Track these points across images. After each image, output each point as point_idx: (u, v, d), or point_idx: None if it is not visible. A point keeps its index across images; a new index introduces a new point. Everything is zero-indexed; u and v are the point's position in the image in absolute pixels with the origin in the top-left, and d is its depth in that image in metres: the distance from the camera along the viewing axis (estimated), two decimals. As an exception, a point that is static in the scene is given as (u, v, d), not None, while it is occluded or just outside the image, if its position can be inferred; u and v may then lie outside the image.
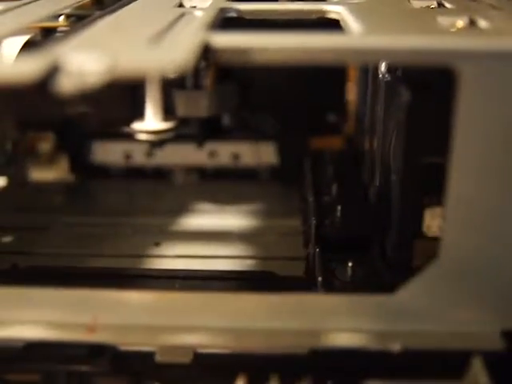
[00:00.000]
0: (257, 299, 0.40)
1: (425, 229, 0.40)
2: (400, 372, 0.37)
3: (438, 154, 0.37)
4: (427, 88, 0.38)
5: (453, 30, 0.38)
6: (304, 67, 0.33)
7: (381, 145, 0.45)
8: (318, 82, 0.62)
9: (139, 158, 0.66)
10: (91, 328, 0.39)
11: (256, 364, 0.38)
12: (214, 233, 0.57)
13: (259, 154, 0.65)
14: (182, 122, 0.58)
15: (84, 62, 0.29)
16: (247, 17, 0.44)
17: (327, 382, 0.37)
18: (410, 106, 0.38)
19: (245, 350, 0.38)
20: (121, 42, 0.33)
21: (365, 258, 0.43)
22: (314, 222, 0.46)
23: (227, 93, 0.60)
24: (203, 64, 0.41)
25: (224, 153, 0.66)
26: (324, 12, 0.44)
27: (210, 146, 0.65)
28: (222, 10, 0.43)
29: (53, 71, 0.29)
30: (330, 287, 0.41)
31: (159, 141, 0.58)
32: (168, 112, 0.57)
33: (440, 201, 0.37)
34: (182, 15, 0.41)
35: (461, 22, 0.39)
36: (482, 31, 0.38)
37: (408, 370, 0.37)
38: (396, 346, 0.38)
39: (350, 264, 0.42)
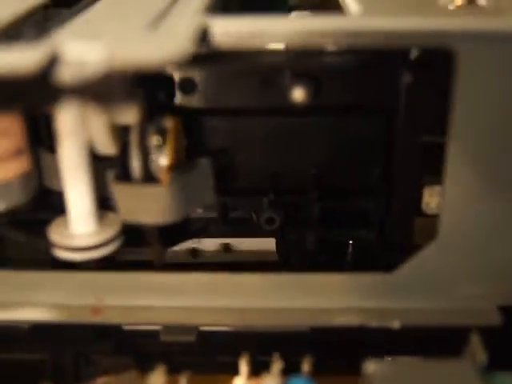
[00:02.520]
0: (258, 278, 0.40)
1: (424, 207, 0.40)
2: (399, 348, 0.38)
3: (437, 133, 0.37)
4: (427, 68, 0.38)
5: (451, 7, 0.38)
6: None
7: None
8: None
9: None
10: (96, 310, 0.39)
11: (258, 342, 0.39)
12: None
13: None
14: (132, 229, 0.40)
15: (83, 52, 0.29)
16: None
17: (328, 360, 0.38)
18: (409, 86, 0.38)
19: (247, 329, 0.39)
20: (118, 28, 0.32)
21: (364, 237, 0.43)
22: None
23: (197, 179, 0.40)
24: (157, 139, 0.37)
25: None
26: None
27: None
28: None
29: (52, 62, 0.29)
30: (331, 266, 0.42)
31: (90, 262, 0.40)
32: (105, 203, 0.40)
33: (439, 179, 0.37)
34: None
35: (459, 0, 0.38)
36: (481, 10, 0.37)
37: (407, 347, 0.38)
38: (395, 323, 0.38)
39: (349, 242, 0.43)
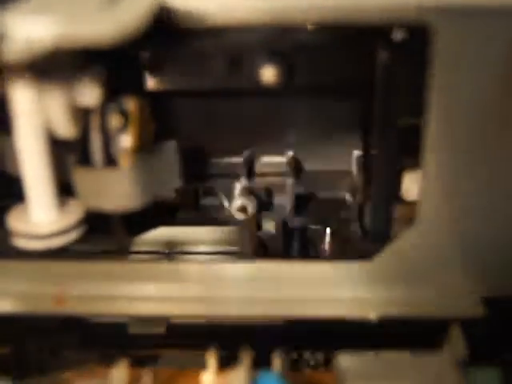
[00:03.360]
0: (231, 267, 0.39)
1: (403, 193, 0.38)
2: (377, 341, 0.36)
3: (416, 115, 0.35)
4: (404, 47, 0.36)
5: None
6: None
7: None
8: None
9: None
10: (60, 299, 0.38)
11: (228, 334, 0.37)
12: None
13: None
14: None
15: (31, 28, 0.28)
16: None
17: (302, 353, 0.36)
18: (386, 66, 0.36)
19: (218, 320, 0.37)
20: (68, 6, 0.31)
21: (342, 225, 0.41)
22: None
23: (163, 162, 0.38)
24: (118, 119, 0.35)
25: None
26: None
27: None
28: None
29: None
30: (307, 254, 0.40)
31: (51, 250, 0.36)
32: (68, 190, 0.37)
33: (419, 164, 0.35)
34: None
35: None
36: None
37: (385, 339, 0.36)
38: (373, 315, 0.37)
39: (327, 231, 0.41)
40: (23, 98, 0.33)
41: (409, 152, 0.36)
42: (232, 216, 0.41)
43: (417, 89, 0.34)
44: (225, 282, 0.38)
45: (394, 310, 0.37)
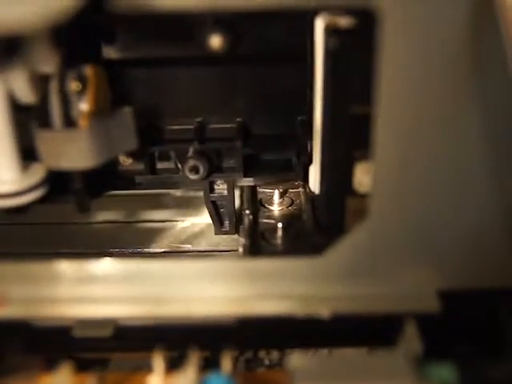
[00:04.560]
0: (179, 264, 0.37)
1: (356, 185, 0.37)
2: (329, 339, 0.35)
3: (366, 103, 0.34)
4: (353, 34, 0.35)
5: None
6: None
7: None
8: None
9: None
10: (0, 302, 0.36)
11: (175, 335, 0.35)
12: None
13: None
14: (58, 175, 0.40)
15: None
16: None
17: (256, 353, 0.35)
18: (334, 53, 0.35)
19: (166, 321, 0.36)
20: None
21: (295, 219, 0.40)
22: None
23: (119, 125, 0.39)
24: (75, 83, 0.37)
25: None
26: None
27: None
28: None
29: None
30: (257, 250, 0.39)
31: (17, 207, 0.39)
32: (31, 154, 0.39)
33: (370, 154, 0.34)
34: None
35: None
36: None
37: (338, 337, 0.35)
38: (324, 312, 0.35)
39: (279, 225, 0.40)
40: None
41: (360, 143, 0.35)
42: (186, 178, 0.43)
43: (368, 75, 0.33)
44: (171, 281, 0.37)
45: (346, 307, 0.35)
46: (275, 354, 0.39)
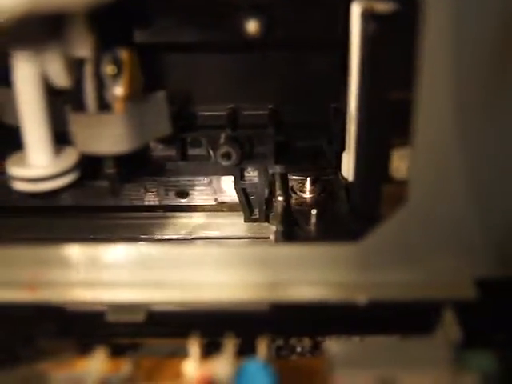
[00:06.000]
0: (214, 250, 0.37)
1: (393, 172, 0.37)
2: (366, 326, 0.35)
3: (405, 89, 0.33)
4: (393, 19, 0.35)
5: None
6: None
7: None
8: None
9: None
10: (33, 286, 0.36)
11: (211, 321, 0.35)
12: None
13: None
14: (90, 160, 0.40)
15: None
16: None
17: (288, 340, 0.35)
18: (373, 38, 0.35)
19: (200, 307, 0.36)
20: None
21: (329, 205, 0.40)
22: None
23: (154, 110, 0.39)
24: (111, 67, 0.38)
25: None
26: None
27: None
28: None
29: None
30: (292, 236, 0.38)
31: (49, 192, 0.40)
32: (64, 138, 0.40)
33: (409, 141, 0.34)
34: None
35: None
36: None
37: (375, 324, 0.35)
38: (362, 299, 0.35)
39: (313, 212, 0.39)
40: (21, 53, 0.35)
41: (398, 129, 0.35)
42: (217, 164, 0.43)
43: (407, 61, 0.32)
44: (203, 267, 0.36)
45: (383, 294, 0.35)
46: (307, 342, 0.39)
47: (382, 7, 0.35)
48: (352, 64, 0.38)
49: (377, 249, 0.35)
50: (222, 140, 0.43)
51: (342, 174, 0.41)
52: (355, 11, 0.37)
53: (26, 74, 0.37)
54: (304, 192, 0.44)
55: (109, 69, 0.37)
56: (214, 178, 0.46)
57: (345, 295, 0.35)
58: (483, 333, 0.34)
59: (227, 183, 0.46)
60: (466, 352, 0.33)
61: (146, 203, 0.46)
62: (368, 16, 0.35)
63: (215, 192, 0.46)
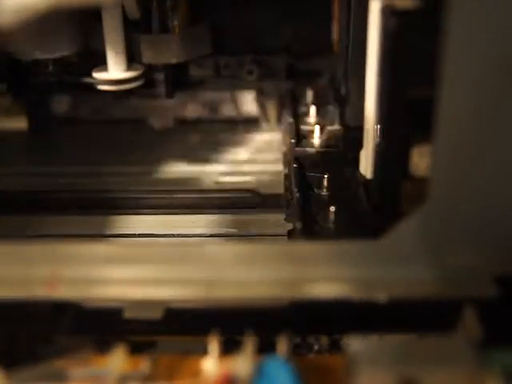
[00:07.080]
0: (233, 247, 0.37)
1: (413, 169, 0.36)
2: (387, 324, 0.35)
3: (426, 86, 0.33)
4: (415, 15, 0.34)
5: None
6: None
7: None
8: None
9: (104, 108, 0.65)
10: (51, 284, 0.36)
11: (230, 318, 0.35)
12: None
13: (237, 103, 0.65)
14: (150, 70, 0.58)
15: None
16: None
17: (307, 337, 0.35)
18: (394, 34, 0.34)
19: (218, 304, 0.36)
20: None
21: (348, 202, 0.40)
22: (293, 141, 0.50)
23: (199, 36, 0.59)
24: (170, 3, 0.54)
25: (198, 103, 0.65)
26: None
27: (181, 96, 0.64)
28: None
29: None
30: (311, 233, 0.38)
31: (124, 91, 0.56)
32: (133, 59, 0.56)
33: (429, 138, 0.34)
34: None
35: None
36: None
37: (395, 322, 0.35)
38: (382, 296, 0.35)
39: (331, 209, 0.39)
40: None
41: (418, 126, 0.35)
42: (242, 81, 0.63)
43: (428, 58, 0.32)
44: (222, 264, 0.36)
45: (404, 291, 0.35)
46: (324, 339, 0.39)
47: (403, 3, 0.34)
48: (369, 60, 0.38)
49: (397, 246, 0.35)
50: (247, 61, 0.61)
51: (359, 172, 0.41)
52: (374, 8, 0.37)
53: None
54: (322, 189, 0.43)
55: (168, 3, 0.55)
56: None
57: (365, 292, 0.35)
58: (505, 331, 0.33)
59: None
60: (490, 350, 0.32)
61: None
62: (389, 11, 0.35)
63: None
